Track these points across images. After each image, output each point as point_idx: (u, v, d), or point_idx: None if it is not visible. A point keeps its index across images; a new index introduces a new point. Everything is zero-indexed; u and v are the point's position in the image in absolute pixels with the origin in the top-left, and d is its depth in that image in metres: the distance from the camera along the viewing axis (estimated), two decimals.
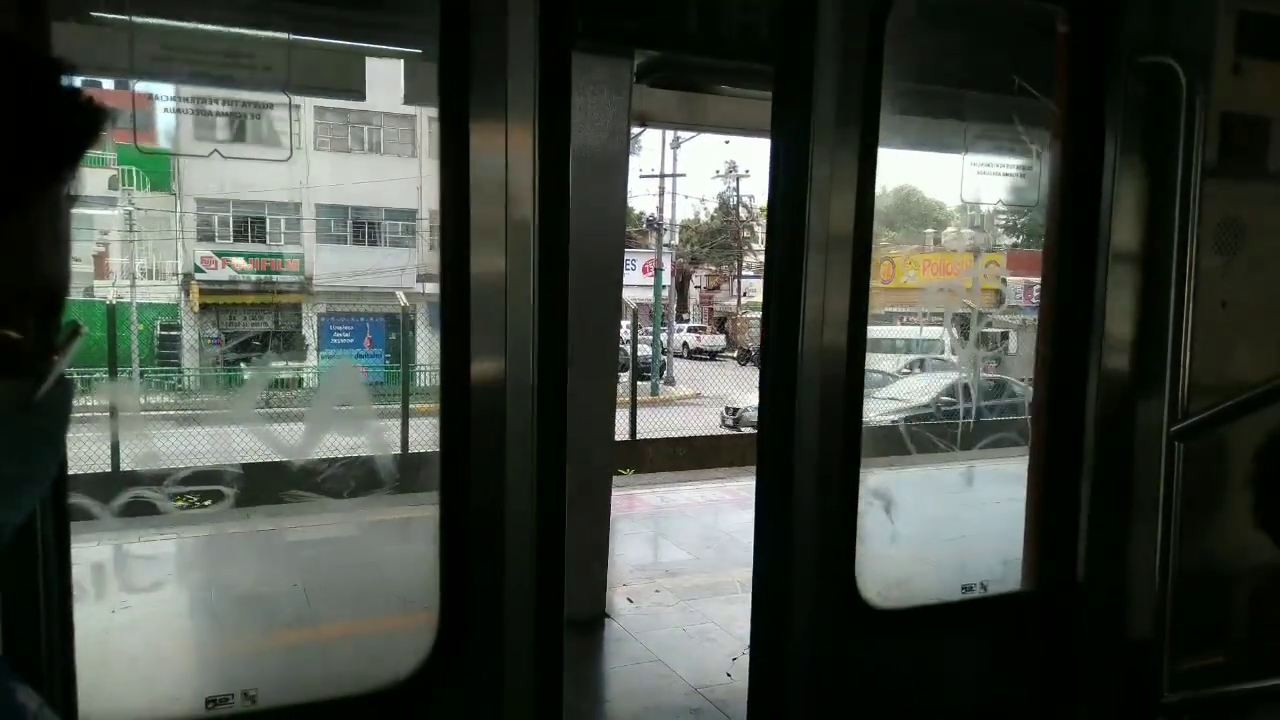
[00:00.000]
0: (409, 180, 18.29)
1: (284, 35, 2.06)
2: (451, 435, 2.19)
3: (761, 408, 2.62)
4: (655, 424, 16.44)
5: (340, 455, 2.74)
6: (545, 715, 2.32)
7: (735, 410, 19.25)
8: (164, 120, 2.09)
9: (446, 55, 2.11)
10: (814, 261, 2.45)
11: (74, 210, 0.84)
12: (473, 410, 2.18)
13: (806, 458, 2.49)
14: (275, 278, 19.04)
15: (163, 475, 2.54)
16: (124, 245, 18.80)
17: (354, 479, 2.62)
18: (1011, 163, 2.95)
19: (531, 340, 2.22)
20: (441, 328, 2.19)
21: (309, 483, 2.53)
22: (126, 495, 2.46)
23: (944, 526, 3.33)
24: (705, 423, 18.40)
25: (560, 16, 2.18)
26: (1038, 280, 3.04)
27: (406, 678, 2.22)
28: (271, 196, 17.97)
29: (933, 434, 3.22)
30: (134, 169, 17.81)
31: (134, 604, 2.74)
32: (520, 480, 2.24)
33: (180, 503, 2.65)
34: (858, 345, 2.50)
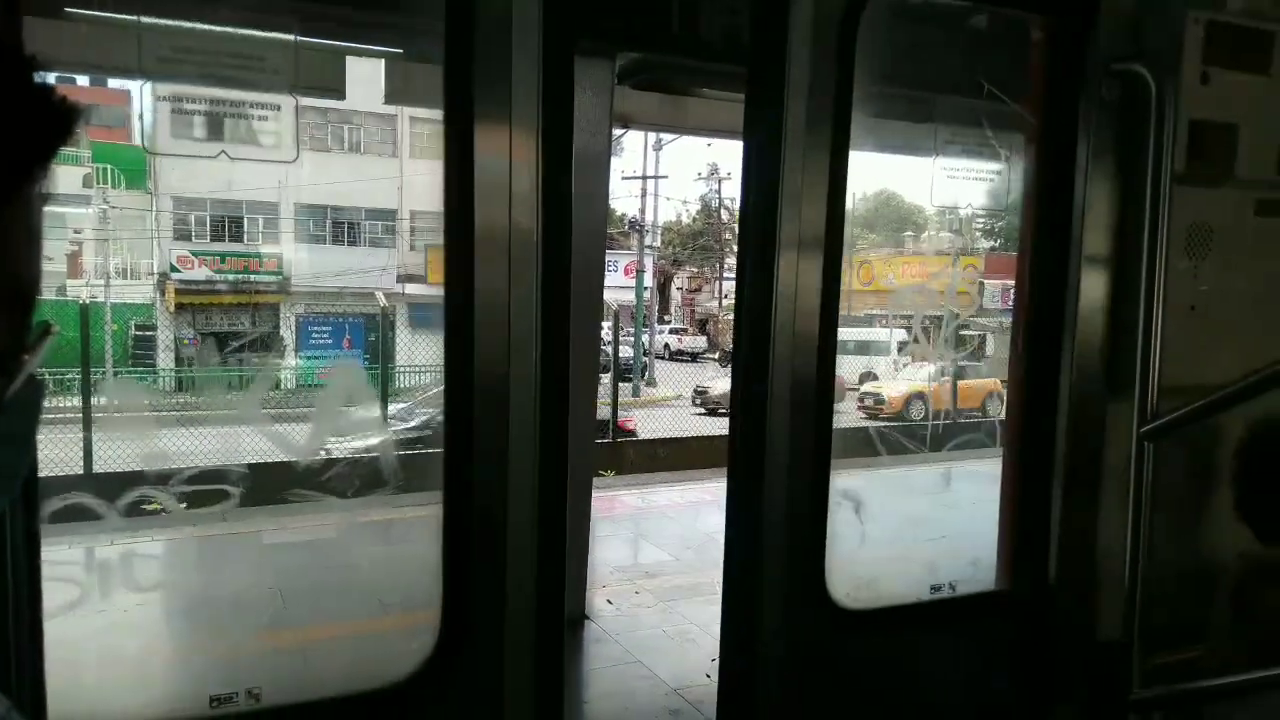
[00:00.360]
0: (389, 180, 18.17)
1: (290, 37, 2.06)
2: (455, 437, 2.20)
3: (733, 409, 2.64)
4: (639, 426, 16.46)
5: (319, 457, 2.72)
6: (545, 714, 2.34)
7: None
8: (171, 121, 2.09)
9: (452, 57, 2.11)
10: (785, 264, 2.46)
11: (46, 208, 0.83)
12: (476, 412, 2.18)
13: (777, 459, 2.50)
14: (252, 277, 18.85)
15: (137, 477, 2.51)
16: (98, 244, 18.52)
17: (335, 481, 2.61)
18: (983, 167, 2.99)
19: (534, 342, 2.22)
20: (445, 329, 2.18)
21: (296, 485, 2.52)
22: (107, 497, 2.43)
23: None
24: (686, 424, 18.44)
25: (563, 19, 2.19)
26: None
27: (407, 677, 2.23)
28: (249, 195, 17.78)
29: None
30: (109, 167, 17.54)
31: (111, 606, 2.71)
32: (522, 482, 2.25)
33: (154, 506, 2.62)
34: (828, 347, 2.52)
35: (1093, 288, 2.91)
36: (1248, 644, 2.76)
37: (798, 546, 2.56)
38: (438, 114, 2.17)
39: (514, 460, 2.22)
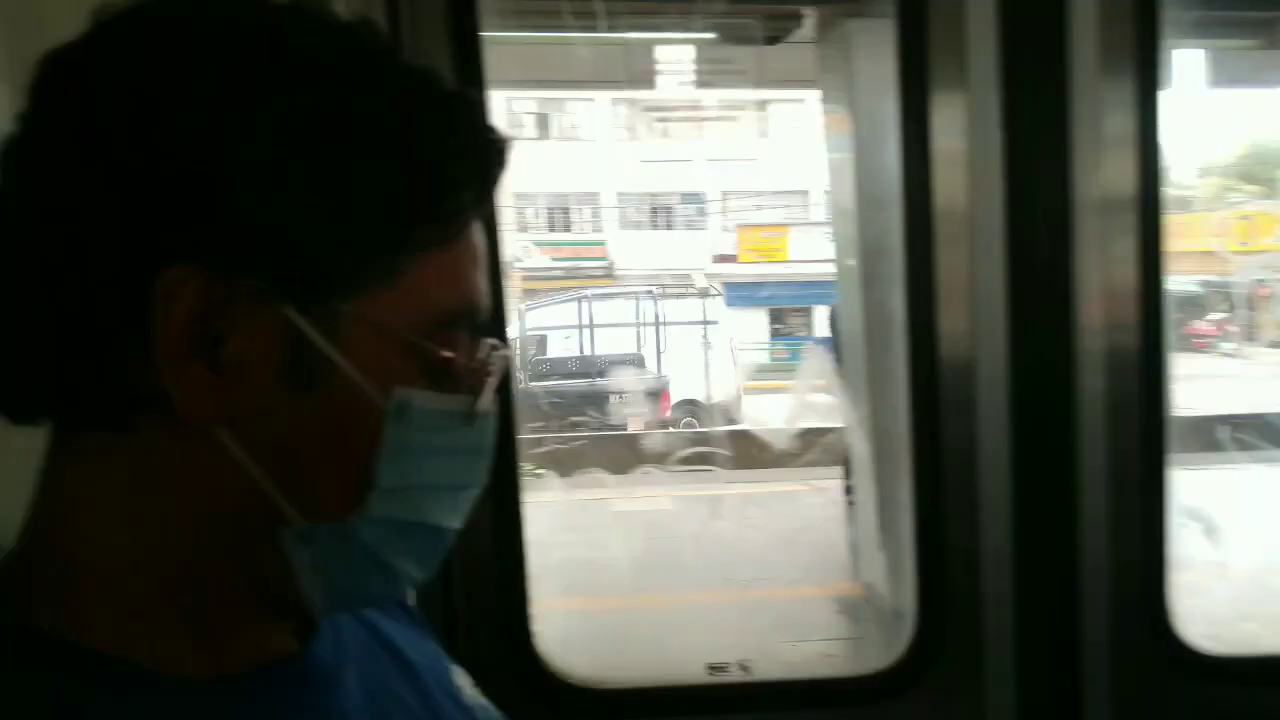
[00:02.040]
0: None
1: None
2: (922, 431, 1.83)
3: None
4: None
5: None
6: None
7: None
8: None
9: (905, 33, 1.78)
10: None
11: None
12: (941, 406, 1.81)
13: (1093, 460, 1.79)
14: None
15: None
16: None
17: None
18: None
19: (1005, 332, 1.78)
20: (907, 318, 1.83)
21: None
22: None
23: None
24: None
25: None
26: None
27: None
28: None
29: None
30: None
31: None
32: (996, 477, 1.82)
33: None
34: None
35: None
36: None
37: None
38: None
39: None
